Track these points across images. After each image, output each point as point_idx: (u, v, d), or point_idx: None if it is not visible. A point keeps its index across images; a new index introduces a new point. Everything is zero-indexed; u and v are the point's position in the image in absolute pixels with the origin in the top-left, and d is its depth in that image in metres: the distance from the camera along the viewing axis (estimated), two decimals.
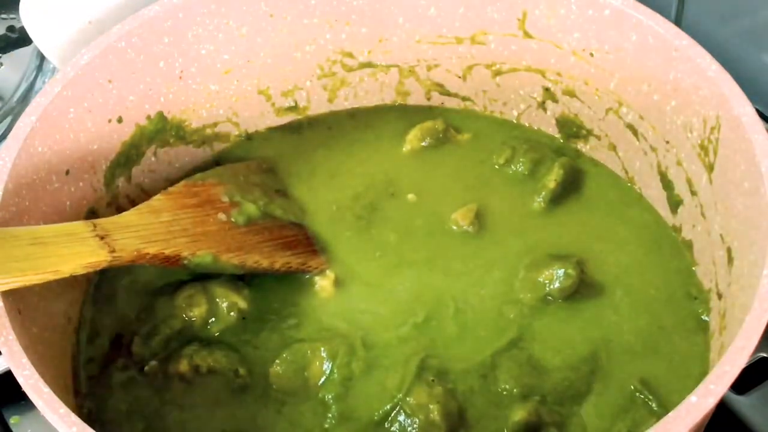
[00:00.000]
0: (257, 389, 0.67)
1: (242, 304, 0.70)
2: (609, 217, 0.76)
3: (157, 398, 0.66)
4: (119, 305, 0.72)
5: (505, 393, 0.65)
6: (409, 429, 0.63)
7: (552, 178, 0.76)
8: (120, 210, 0.74)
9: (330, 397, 0.65)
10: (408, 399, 0.64)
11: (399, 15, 0.79)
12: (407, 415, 0.64)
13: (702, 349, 0.67)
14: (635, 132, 0.75)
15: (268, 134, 0.84)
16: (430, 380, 0.65)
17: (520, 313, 0.69)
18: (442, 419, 0.63)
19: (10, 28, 0.96)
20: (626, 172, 0.78)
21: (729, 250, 0.65)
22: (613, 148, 0.78)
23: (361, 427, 0.64)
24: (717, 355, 0.63)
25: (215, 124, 0.81)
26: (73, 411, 0.54)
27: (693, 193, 0.70)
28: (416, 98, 0.85)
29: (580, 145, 0.80)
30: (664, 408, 0.63)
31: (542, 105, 0.80)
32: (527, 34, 0.77)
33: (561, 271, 0.69)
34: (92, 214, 0.73)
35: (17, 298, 0.60)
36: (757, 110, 0.63)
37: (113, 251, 0.64)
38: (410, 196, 0.78)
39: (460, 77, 0.82)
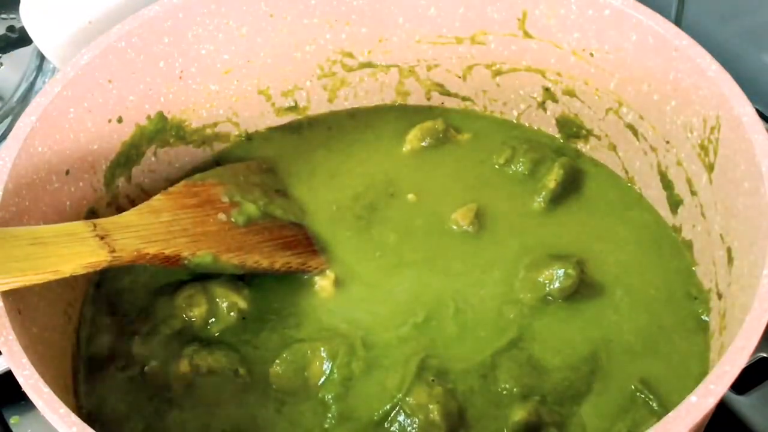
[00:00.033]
0: (257, 389, 0.67)
1: (242, 304, 0.70)
2: (609, 217, 0.76)
3: (157, 398, 0.66)
4: (119, 305, 0.72)
5: (505, 393, 0.65)
6: (409, 429, 0.63)
7: (552, 178, 0.76)
8: (120, 210, 0.74)
9: (330, 397, 0.65)
10: (408, 399, 0.64)
11: (399, 15, 0.79)
12: (407, 415, 0.64)
13: (702, 349, 0.67)
14: (635, 132, 0.75)
15: (268, 134, 0.84)
16: (430, 380, 0.65)
17: (520, 313, 0.69)
18: (442, 419, 0.63)
19: (10, 28, 0.96)
20: (626, 172, 0.78)
21: (729, 250, 0.65)
22: (613, 148, 0.78)
23: (361, 427, 0.64)
24: (717, 355, 0.63)
25: (215, 124, 0.81)
26: (73, 411, 0.54)
27: (693, 193, 0.70)
28: (416, 98, 0.85)
29: (580, 145, 0.80)
30: (665, 408, 0.63)
31: (542, 105, 0.80)
32: (527, 34, 0.77)
33: (561, 271, 0.69)
34: (92, 214, 0.73)
35: (17, 298, 0.60)
36: (757, 110, 0.63)
37: (113, 251, 0.64)
38: (410, 196, 0.78)
39: (460, 77, 0.82)
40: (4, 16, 0.97)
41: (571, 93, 0.78)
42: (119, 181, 0.76)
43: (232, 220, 0.73)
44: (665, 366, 0.66)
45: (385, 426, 0.64)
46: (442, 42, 0.80)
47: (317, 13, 0.78)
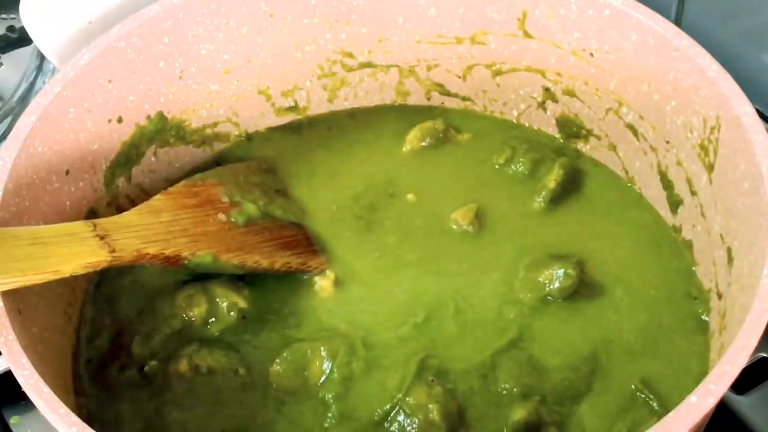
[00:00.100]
0: (257, 389, 0.67)
1: (242, 304, 0.70)
2: (609, 217, 0.76)
3: (157, 398, 0.66)
4: (119, 305, 0.72)
5: (505, 393, 0.65)
6: (409, 429, 0.63)
7: (552, 178, 0.76)
8: (120, 210, 0.74)
9: (330, 396, 0.65)
10: (408, 399, 0.64)
11: (399, 15, 0.79)
12: (407, 415, 0.64)
13: (702, 349, 0.67)
14: (635, 132, 0.75)
15: (268, 134, 0.84)
16: (429, 380, 0.65)
17: (520, 313, 0.69)
18: (441, 419, 0.63)
19: (10, 28, 0.96)
20: (626, 172, 0.78)
21: (729, 250, 0.65)
22: (613, 148, 0.78)
23: (361, 427, 0.64)
24: (717, 355, 0.63)
25: (215, 124, 0.81)
26: (73, 411, 0.54)
27: (693, 193, 0.70)
28: (416, 98, 0.85)
29: (580, 145, 0.80)
30: (665, 408, 0.63)
31: (542, 105, 0.80)
32: (527, 34, 0.77)
33: (561, 271, 0.69)
34: (92, 214, 0.73)
35: (17, 298, 0.60)
36: (757, 110, 0.63)
37: (113, 251, 0.64)
38: (410, 196, 0.78)
39: (460, 77, 0.82)
40: (4, 16, 0.97)
41: (571, 93, 0.78)
42: (119, 181, 0.76)
43: (232, 220, 0.73)
44: (665, 366, 0.66)
45: (385, 426, 0.64)
46: (442, 42, 0.80)
47: (317, 13, 0.78)
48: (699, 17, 0.92)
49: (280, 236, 0.74)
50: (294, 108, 0.84)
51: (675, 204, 0.73)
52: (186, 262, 0.69)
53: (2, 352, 0.57)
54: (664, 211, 0.75)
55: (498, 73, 0.80)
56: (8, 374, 0.57)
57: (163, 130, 0.78)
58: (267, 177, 0.79)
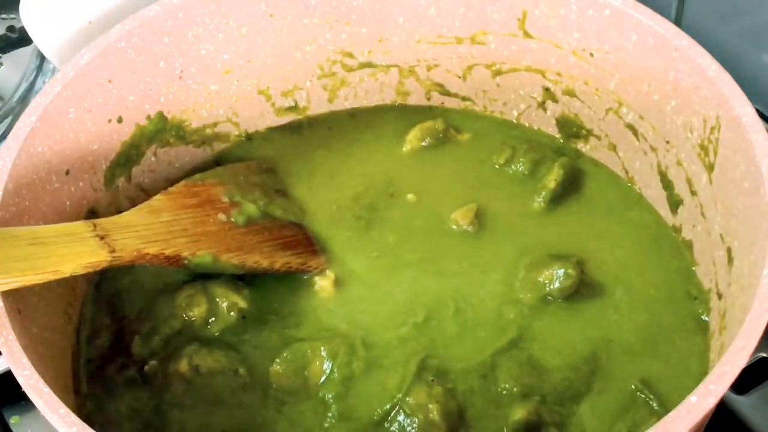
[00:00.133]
0: (257, 389, 0.67)
1: (242, 304, 0.70)
2: (609, 217, 0.76)
3: (157, 398, 0.66)
4: (119, 305, 0.72)
5: (505, 393, 0.65)
6: (409, 429, 0.63)
7: (552, 178, 0.76)
8: (120, 210, 0.74)
9: (330, 396, 0.65)
10: (408, 399, 0.64)
11: (399, 15, 0.79)
12: (407, 415, 0.64)
13: (702, 349, 0.67)
14: (635, 132, 0.75)
15: (268, 134, 0.84)
16: (429, 380, 0.65)
17: (520, 313, 0.69)
18: (441, 419, 0.63)
19: (10, 28, 0.96)
20: (626, 172, 0.78)
21: (729, 250, 0.65)
22: (613, 148, 0.78)
23: (361, 427, 0.64)
24: (717, 355, 0.63)
25: (215, 124, 0.81)
26: (73, 411, 0.54)
27: (693, 193, 0.70)
28: (416, 98, 0.85)
29: (580, 145, 0.80)
30: (665, 407, 0.63)
31: (542, 105, 0.80)
32: (527, 34, 0.77)
33: (561, 271, 0.69)
34: (92, 214, 0.73)
35: (17, 298, 0.60)
36: (757, 110, 0.63)
37: (113, 251, 0.64)
38: (410, 196, 0.78)
39: (460, 77, 0.82)
40: (4, 16, 0.97)
41: (571, 93, 0.78)
42: (119, 181, 0.76)
43: (232, 220, 0.73)
44: (665, 366, 0.66)
45: (385, 426, 0.64)
46: (442, 42, 0.80)
47: (317, 13, 0.78)
48: (699, 17, 0.92)
49: (280, 236, 0.74)
50: (294, 108, 0.84)
51: (675, 204, 0.73)
52: (186, 262, 0.69)
53: (2, 352, 0.57)
54: (664, 211, 0.75)
55: (498, 73, 0.80)
56: (8, 374, 0.56)
57: (163, 130, 0.78)
58: (267, 177, 0.79)
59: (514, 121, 0.83)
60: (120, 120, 0.74)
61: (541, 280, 0.70)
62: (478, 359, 0.67)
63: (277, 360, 0.67)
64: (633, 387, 0.65)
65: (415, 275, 0.72)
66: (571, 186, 0.77)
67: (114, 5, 0.77)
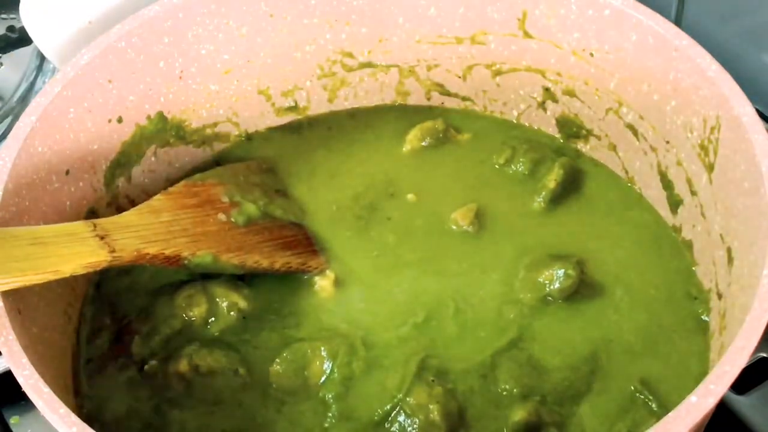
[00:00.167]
0: (257, 389, 0.67)
1: (242, 303, 0.70)
2: (609, 217, 0.76)
3: (157, 398, 0.66)
4: (119, 305, 0.72)
5: (505, 393, 0.65)
6: (409, 429, 0.63)
7: (552, 178, 0.76)
8: (120, 210, 0.74)
9: (330, 396, 0.65)
10: (408, 399, 0.64)
11: (399, 15, 0.79)
12: (407, 415, 0.64)
13: (702, 349, 0.67)
14: (635, 132, 0.75)
15: (268, 134, 0.84)
16: (430, 380, 0.65)
17: (520, 314, 0.69)
18: (442, 419, 0.63)
19: (10, 28, 0.96)
20: (626, 172, 0.78)
21: (729, 250, 0.65)
22: (613, 148, 0.78)
23: (361, 427, 0.64)
24: (717, 355, 0.63)
25: (215, 124, 0.81)
26: (73, 411, 0.54)
27: (693, 193, 0.70)
28: (416, 98, 0.85)
29: (580, 145, 0.80)
30: (664, 408, 0.63)
31: (542, 105, 0.80)
32: (527, 34, 0.77)
33: (561, 272, 0.69)
34: (92, 214, 0.73)
35: (17, 298, 0.60)
36: (757, 110, 0.63)
37: (113, 251, 0.64)
38: (410, 196, 0.78)
39: (460, 77, 0.82)
40: (4, 16, 0.97)
41: (571, 93, 0.78)
42: (119, 181, 0.76)
43: (232, 220, 0.73)
44: (665, 366, 0.66)
45: (386, 426, 0.64)
46: (442, 42, 0.80)
47: (317, 13, 0.78)
48: (699, 17, 0.92)
49: (280, 236, 0.74)
50: (294, 108, 0.84)
51: (675, 204, 0.73)
52: (186, 262, 0.69)
53: (2, 352, 0.57)
54: (664, 211, 0.75)
55: (498, 73, 0.80)
56: (8, 374, 0.56)
57: (163, 130, 0.78)
58: (267, 177, 0.79)
59: (514, 121, 0.83)
60: (120, 120, 0.74)
61: (541, 280, 0.70)
62: (478, 359, 0.67)
63: (277, 360, 0.67)
64: (633, 387, 0.65)
65: (415, 275, 0.72)
66: (571, 186, 0.77)
67: (114, 5, 0.77)
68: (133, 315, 0.71)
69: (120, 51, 0.72)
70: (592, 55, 0.74)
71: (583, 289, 0.70)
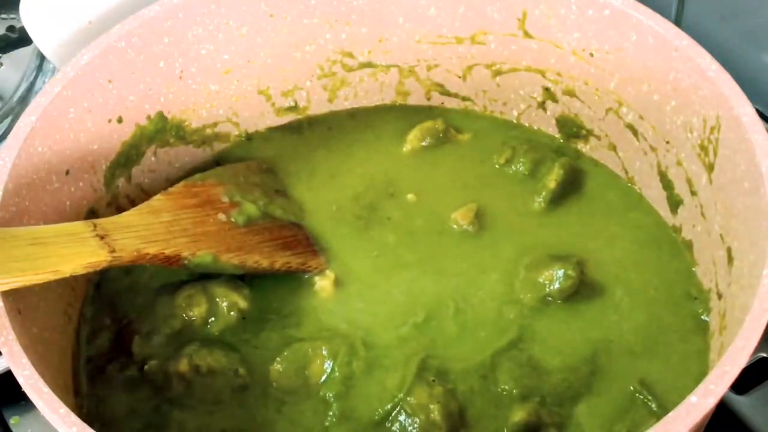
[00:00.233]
0: (257, 388, 0.67)
1: (242, 303, 0.70)
2: (609, 217, 0.76)
3: (157, 398, 0.66)
4: (119, 305, 0.72)
5: (505, 393, 0.65)
6: (410, 429, 0.63)
7: (552, 178, 0.76)
8: (120, 210, 0.74)
9: (331, 395, 0.65)
10: (408, 399, 0.64)
11: (399, 15, 0.79)
12: (408, 415, 0.64)
13: (702, 349, 0.67)
14: (635, 132, 0.75)
15: (268, 134, 0.84)
16: (430, 380, 0.65)
17: (520, 314, 0.69)
18: (442, 419, 0.63)
19: (10, 28, 0.96)
20: (626, 172, 0.78)
21: (729, 250, 0.65)
22: (613, 148, 0.78)
23: (362, 427, 0.64)
24: (717, 355, 0.63)
25: (215, 124, 0.81)
26: (73, 411, 0.54)
27: (693, 193, 0.70)
28: (416, 98, 0.85)
29: (580, 145, 0.80)
30: (664, 408, 0.63)
31: (542, 105, 0.80)
32: (527, 34, 0.77)
33: (561, 272, 0.69)
34: (92, 214, 0.73)
35: (17, 298, 0.60)
36: (757, 110, 0.63)
37: (113, 251, 0.64)
38: (410, 196, 0.78)
39: (460, 77, 0.82)
40: (4, 16, 0.97)
41: (571, 93, 0.78)
42: (119, 181, 0.76)
43: (232, 220, 0.73)
44: (665, 366, 0.66)
45: (386, 425, 0.64)
46: (442, 42, 0.80)
47: (317, 13, 0.78)
48: (699, 17, 0.92)
49: (280, 236, 0.74)
50: (294, 108, 0.84)
51: (675, 204, 0.73)
52: (186, 262, 0.69)
53: (2, 352, 0.57)
54: (664, 211, 0.75)
55: (498, 73, 0.80)
56: (8, 374, 0.56)
57: (163, 130, 0.78)
58: (267, 177, 0.79)
59: (514, 121, 0.83)
60: (120, 120, 0.74)
61: (541, 280, 0.70)
62: (478, 359, 0.67)
63: (278, 359, 0.67)
64: (632, 388, 0.65)
65: (415, 275, 0.72)
66: (571, 186, 0.77)
67: (114, 5, 0.77)
68: (133, 315, 0.71)
69: (120, 51, 0.72)
70: (592, 55, 0.74)
71: (583, 290, 0.70)
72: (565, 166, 0.77)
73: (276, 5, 0.77)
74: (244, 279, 0.72)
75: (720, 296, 0.66)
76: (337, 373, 0.66)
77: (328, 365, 0.67)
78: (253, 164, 0.80)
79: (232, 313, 0.70)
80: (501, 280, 0.71)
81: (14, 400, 0.75)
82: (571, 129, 0.80)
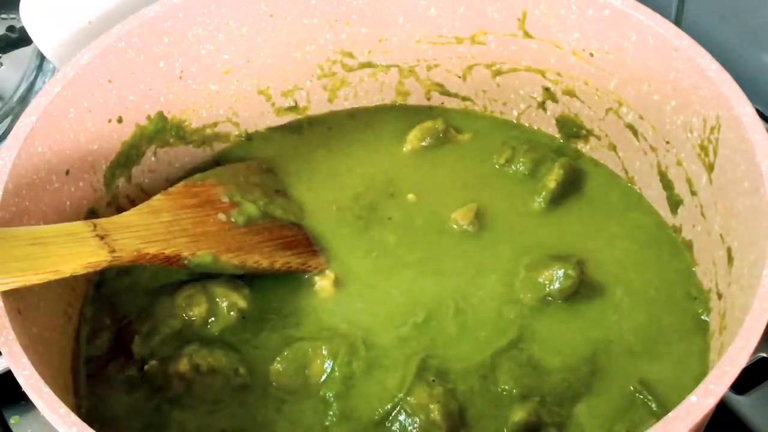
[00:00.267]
0: (257, 388, 0.67)
1: (242, 303, 0.70)
2: (609, 217, 0.76)
3: (157, 398, 0.66)
4: (119, 305, 0.72)
5: (505, 393, 0.65)
6: (410, 428, 0.63)
7: (552, 178, 0.76)
8: (120, 210, 0.74)
9: (331, 395, 0.65)
10: (408, 399, 0.64)
11: (399, 15, 0.79)
12: (408, 415, 0.64)
13: (702, 349, 0.67)
14: (635, 132, 0.75)
15: (268, 134, 0.84)
16: (430, 380, 0.65)
17: (520, 314, 0.69)
18: (442, 419, 0.63)
19: (10, 28, 0.96)
20: (626, 172, 0.78)
21: (729, 250, 0.65)
22: (613, 148, 0.78)
23: (362, 426, 0.64)
24: (717, 355, 0.63)
25: (215, 124, 0.81)
26: (73, 411, 0.54)
27: (693, 193, 0.70)
28: (416, 98, 0.85)
29: (580, 145, 0.80)
30: (664, 408, 0.63)
31: (542, 105, 0.80)
32: (527, 34, 0.77)
33: (561, 272, 0.69)
34: (92, 214, 0.73)
35: (17, 298, 0.60)
36: (757, 110, 0.63)
37: (113, 251, 0.64)
38: (410, 196, 0.78)
39: (460, 77, 0.82)
40: (4, 16, 0.97)
41: (571, 93, 0.78)
42: (119, 181, 0.76)
43: (232, 220, 0.73)
44: (665, 366, 0.66)
45: (386, 425, 0.64)
46: (442, 42, 0.80)
47: (317, 13, 0.78)
48: (699, 17, 0.92)
49: (280, 236, 0.74)
50: (294, 108, 0.84)
51: (675, 204, 0.73)
52: (186, 262, 0.69)
53: (2, 352, 0.57)
54: (664, 211, 0.75)
55: (498, 73, 0.80)
56: (8, 374, 0.56)
57: (163, 130, 0.78)
58: (267, 177, 0.79)
59: (514, 121, 0.83)
60: (120, 120, 0.74)
61: (541, 280, 0.70)
62: (478, 359, 0.67)
63: (278, 359, 0.67)
64: (632, 388, 0.65)
65: (415, 275, 0.72)
66: (571, 186, 0.77)
67: (114, 5, 0.77)
68: (133, 315, 0.71)
69: (120, 51, 0.72)
70: (592, 55, 0.74)
71: (583, 290, 0.70)
72: (565, 166, 0.77)
73: (276, 5, 0.77)
74: (244, 279, 0.72)
75: (720, 296, 0.66)
76: (337, 373, 0.66)
77: (328, 365, 0.67)
78: (253, 164, 0.80)
79: (232, 313, 0.70)
80: (501, 280, 0.71)
81: (14, 400, 0.75)
82: (571, 129, 0.80)
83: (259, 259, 0.71)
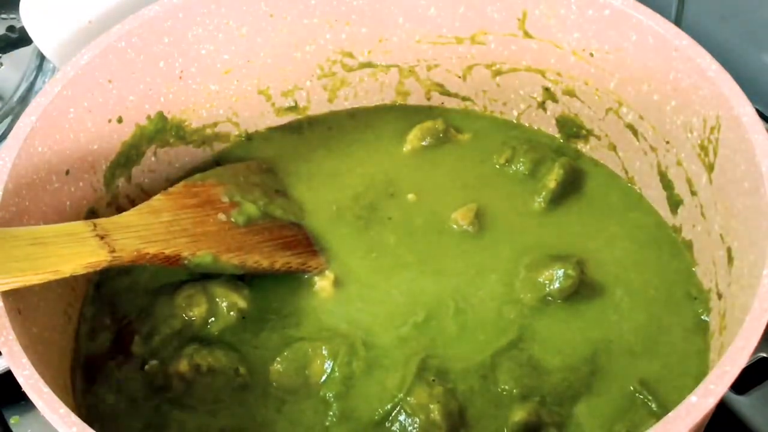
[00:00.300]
0: (257, 388, 0.67)
1: (242, 303, 0.70)
2: (609, 217, 0.76)
3: (157, 398, 0.66)
4: (119, 305, 0.72)
5: (505, 393, 0.65)
6: (410, 428, 0.63)
7: (552, 178, 0.76)
8: (120, 210, 0.74)
9: (331, 395, 0.65)
10: (408, 399, 0.64)
11: (399, 15, 0.79)
12: (408, 415, 0.64)
13: (702, 349, 0.67)
14: (635, 132, 0.75)
15: (268, 134, 0.84)
16: (430, 380, 0.65)
17: (520, 314, 0.69)
18: (442, 419, 0.63)
19: (10, 28, 0.96)
20: (626, 172, 0.78)
21: (729, 250, 0.65)
22: (613, 148, 0.78)
23: (362, 426, 0.64)
24: (717, 355, 0.63)
25: (215, 124, 0.81)
26: (73, 411, 0.54)
27: (693, 193, 0.70)
28: (416, 98, 0.85)
29: (580, 145, 0.80)
30: (664, 408, 0.63)
31: (542, 105, 0.80)
32: (527, 34, 0.77)
33: (561, 272, 0.69)
34: (92, 214, 0.73)
35: (17, 298, 0.60)
36: (757, 110, 0.63)
37: (113, 251, 0.64)
38: (410, 196, 0.78)
39: (460, 77, 0.82)
40: (4, 16, 0.97)
41: (571, 93, 0.78)
42: (119, 181, 0.76)
43: (232, 220, 0.73)
44: (665, 366, 0.66)
45: (386, 425, 0.64)
46: (442, 42, 0.80)
47: (317, 13, 0.79)
48: (699, 17, 0.92)
49: (280, 236, 0.74)
50: (294, 108, 0.84)
51: (675, 204, 0.73)
52: (186, 262, 0.69)
53: (2, 352, 0.57)
54: (664, 211, 0.75)
55: (498, 73, 0.80)
56: (8, 374, 0.56)
57: (163, 130, 0.78)
58: (267, 177, 0.79)
59: (514, 121, 0.83)
60: (120, 120, 0.74)
61: (541, 280, 0.70)
62: (478, 359, 0.67)
63: (278, 359, 0.67)
64: (632, 388, 0.65)
65: (415, 275, 0.72)
66: (571, 186, 0.77)
67: (114, 5, 0.77)
68: (133, 315, 0.71)
69: (120, 51, 0.72)
70: (592, 55, 0.74)
71: (583, 290, 0.70)
72: (565, 166, 0.77)
73: (276, 5, 0.77)
74: (244, 279, 0.72)
75: (720, 296, 0.66)
76: (337, 373, 0.66)
77: (328, 365, 0.67)
78: (253, 164, 0.80)
79: (232, 313, 0.70)
80: (501, 280, 0.71)
81: (14, 400, 0.75)
82: (571, 129, 0.80)
83: (259, 259, 0.71)
